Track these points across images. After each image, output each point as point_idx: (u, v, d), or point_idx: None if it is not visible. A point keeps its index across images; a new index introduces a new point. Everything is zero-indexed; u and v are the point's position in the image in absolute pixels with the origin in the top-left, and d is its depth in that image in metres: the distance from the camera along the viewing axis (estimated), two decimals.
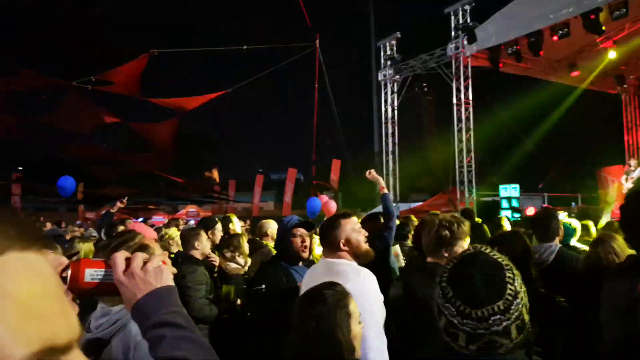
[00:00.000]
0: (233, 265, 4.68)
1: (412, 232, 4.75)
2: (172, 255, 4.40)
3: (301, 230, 3.03)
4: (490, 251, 1.29)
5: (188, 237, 4.23)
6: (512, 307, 1.17)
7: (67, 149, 14.47)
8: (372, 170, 4.18)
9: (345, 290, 1.80)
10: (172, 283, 1.08)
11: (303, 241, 2.99)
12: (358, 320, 1.76)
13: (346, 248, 2.46)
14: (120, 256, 1.05)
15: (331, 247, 2.49)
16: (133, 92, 11.19)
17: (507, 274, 1.22)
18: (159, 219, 19.59)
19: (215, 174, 23.57)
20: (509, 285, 1.20)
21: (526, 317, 1.20)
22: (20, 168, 16.80)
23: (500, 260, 1.26)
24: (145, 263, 1.06)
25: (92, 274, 1.03)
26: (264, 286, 2.89)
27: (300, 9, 12.08)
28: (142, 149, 14.23)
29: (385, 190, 3.97)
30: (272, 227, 5.55)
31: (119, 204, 5.78)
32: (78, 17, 8.78)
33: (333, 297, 1.75)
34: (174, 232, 5.43)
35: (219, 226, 5.89)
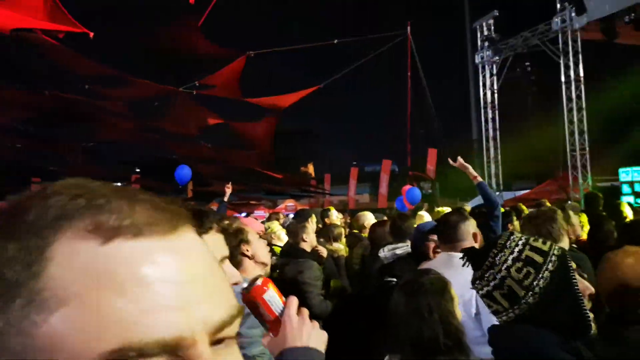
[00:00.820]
0: (337, 246, 4.76)
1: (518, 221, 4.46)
2: (277, 249, 4.55)
3: (434, 236, 3.02)
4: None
5: (295, 230, 4.27)
6: (486, 275, 1.35)
7: (177, 150, 15.69)
8: (459, 158, 3.95)
9: (443, 277, 1.86)
10: (322, 349, 1.08)
11: (436, 247, 2.99)
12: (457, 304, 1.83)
13: (474, 242, 2.44)
14: (296, 299, 1.08)
15: (457, 241, 2.47)
16: (233, 94, 11.79)
17: (493, 250, 1.38)
18: (260, 213, 20.49)
19: (311, 169, 24.11)
20: (489, 258, 1.37)
21: (518, 291, 1.29)
22: (137, 170, 18.45)
23: (501, 239, 1.41)
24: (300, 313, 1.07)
25: (272, 295, 1.05)
26: (394, 279, 2.91)
27: None
28: (243, 147, 14.96)
29: (479, 179, 3.74)
30: (369, 219, 5.54)
31: (227, 190, 5.96)
32: (181, 25, 9.42)
33: (436, 284, 1.81)
34: (276, 226, 5.63)
35: (313, 218, 6.01)
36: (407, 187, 10.23)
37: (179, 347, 0.37)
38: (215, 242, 1.21)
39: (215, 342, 0.41)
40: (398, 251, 3.85)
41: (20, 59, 9.61)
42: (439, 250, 2.99)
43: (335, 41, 11.66)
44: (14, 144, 12.78)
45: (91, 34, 8.40)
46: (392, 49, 13.46)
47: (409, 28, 12.85)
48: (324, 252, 4.36)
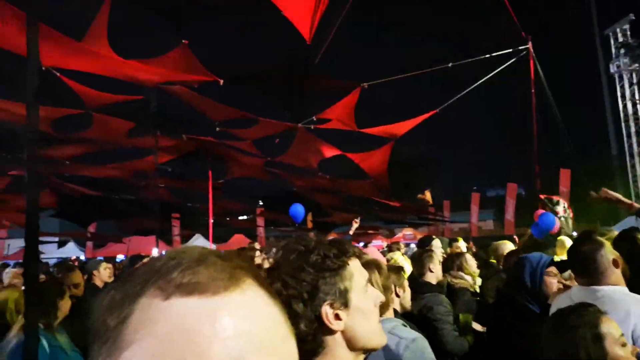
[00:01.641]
0: (460, 280, 4.47)
1: None
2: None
3: (555, 270, 2.73)
4: None
5: (422, 260, 4.07)
6: None
7: (297, 183, 16.39)
8: (604, 189, 3.41)
9: (599, 310, 1.70)
10: None
11: (559, 282, 2.70)
12: (619, 342, 1.63)
13: (615, 269, 2.13)
14: None
15: (596, 272, 2.18)
16: (348, 125, 12.04)
17: None
18: (378, 242, 20.37)
19: (429, 196, 23.48)
20: None
21: None
22: (261, 202, 19.53)
23: None
24: None
25: None
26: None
27: (505, 13, 11.32)
28: (359, 176, 15.12)
29: (637, 205, 3.26)
30: (509, 248, 5.17)
31: (354, 225, 6.03)
32: (298, 63, 9.97)
33: (582, 318, 1.68)
34: (398, 256, 5.50)
35: (438, 243, 5.75)
36: (540, 211, 9.44)
37: None
38: (356, 266, 1.30)
39: None
40: None
41: (163, 108, 10.91)
42: (560, 286, 2.69)
43: (450, 64, 11.40)
44: (157, 184, 14.38)
45: (221, 82, 9.28)
46: (513, 66, 12.75)
47: (530, 42, 12.11)
48: (464, 283, 4.09)
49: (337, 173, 16.16)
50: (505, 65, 12.60)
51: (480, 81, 12.60)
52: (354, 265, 1.32)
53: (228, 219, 20.70)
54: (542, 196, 14.76)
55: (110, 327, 0.46)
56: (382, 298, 1.37)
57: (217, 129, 12.04)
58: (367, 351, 1.31)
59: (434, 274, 4.03)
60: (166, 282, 0.46)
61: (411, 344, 1.99)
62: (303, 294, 1.23)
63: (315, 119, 11.92)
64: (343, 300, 1.26)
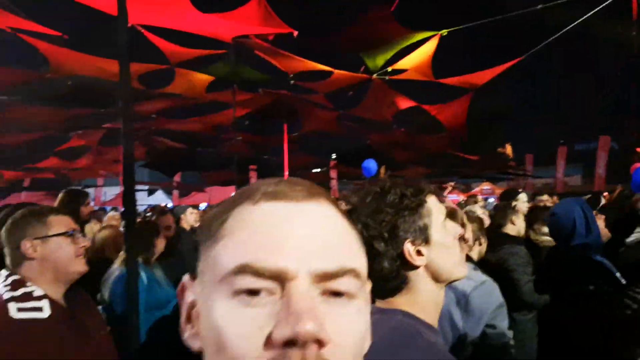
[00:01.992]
0: (546, 237, 4.29)
1: None
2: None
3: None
4: None
5: (505, 211, 3.96)
6: None
7: (371, 137, 16.24)
8: None
9: None
10: None
11: None
12: None
13: None
14: None
15: None
16: (425, 75, 11.60)
17: None
18: (454, 197, 19.88)
19: (509, 150, 22.30)
20: None
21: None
22: (334, 156, 19.63)
23: None
24: None
25: None
26: None
27: None
28: (435, 129, 14.66)
29: None
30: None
31: (447, 189, 5.89)
32: (374, 14, 9.61)
33: None
34: (477, 208, 5.37)
35: (522, 196, 5.51)
36: (637, 165, 8.70)
37: (282, 276, 0.51)
38: (434, 203, 1.35)
39: (330, 293, 0.53)
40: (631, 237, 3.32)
41: (238, 63, 11.10)
42: None
43: (540, 6, 10.46)
44: (235, 138, 14.89)
45: (295, 33, 9.24)
46: (610, 7, 11.43)
47: None
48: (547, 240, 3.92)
49: (412, 126, 15.77)
50: (602, 6, 11.33)
51: (574, 24, 11.47)
52: (431, 201, 1.34)
53: (302, 172, 21.15)
54: (639, 149, 13.54)
55: (212, 231, 0.58)
56: (461, 231, 1.40)
57: (292, 82, 12.11)
58: (451, 282, 1.35)
59: (516, 227, 3.93)
60: (254, 193, 0.58)
61: (480, 286, 2.00)
62: (384, 234, 1.27)
63: (389, 70, 11.59)
64: (423, 236, 1.30)
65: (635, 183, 8.41)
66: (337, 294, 0.54)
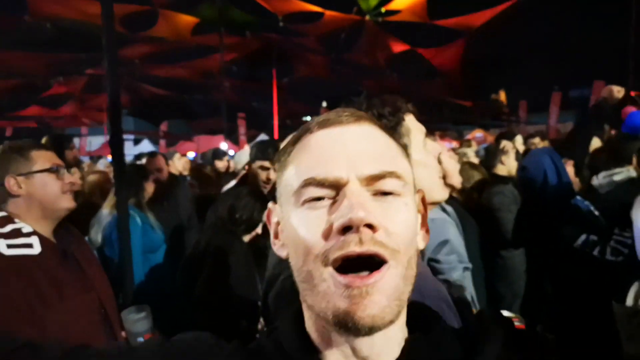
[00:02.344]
0: None
1: None
2: None
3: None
4: None
5: (495, 152, 3.95)
6: None
7: (364, 82, 15.90)
8: None
9: None
10: None
11: None
12: None
13: None
14: None
15: None
16: (420, 17, 11.20)
17: None
18: (446, 144, 19.84)
19: (503, 96, 22.06)
20: None
21: None
22: (324, 104, 19.33)
23: None
24: None
25: None
26: None
27: None
28: (429, 74, 14.39)
29: None
30: (596, 144, 4.82)
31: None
32: None
33: None
34: (471, 152, 5.30)
35: (518, 137, 5.50)
36: (630, 108, 8.58)
37: (338, 183, 0.62)
38: (412, 121, 1.31)
39: (379, 193, 0.63)
40: (616, 177, 3.27)
41: (225, 4, 10.60)
42: None
43: None
44: (223, 84, 14.46)
45: None
46: None
47: None
48: None
49: (406, 72, 15.44)
50: None
51: None
52: (410, 120, 1.29)
53: (292, 120, 20.87)
54: (633, 93, 13.39)
55: (282, 162, 0.71)
56: (441, 149, 1.37)
57: (281, 24, 11.64)
58: (430, 204, 1.24)
59: (505, 167, 3.90)
60: (310, 124, 0.70)
61: (430, 223, 1.91)
62: None
63: (383, 11, 11.17)
64: None
65: (625, 125, 8.36)
66: (385, 193, 0.64)
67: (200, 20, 10.86)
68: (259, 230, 2.44)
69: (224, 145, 11.77)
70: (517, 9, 11.64)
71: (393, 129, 1.23)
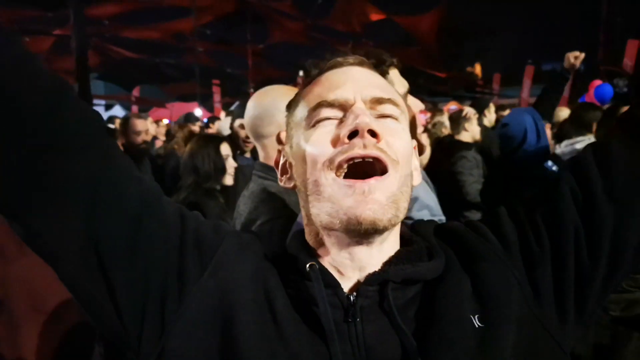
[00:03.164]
0: None
1: None
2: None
3: None
4: None
5: (458, 119, 4.08)
6: None
7: (341, 48, 15.70)
8: None
9: None
10: None
11: None
12: None
13: None
14: None
15: None
16: None
17: None
18: (421, 117, 19.90)
19: (478, 69, 22.18)
20: None
21: None
22: (301, 73, 19.08)
23: None
24: None
25: None
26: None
27: None
28: (406, 43, 14.32)
29: None
30: (566, 115, 4.95)
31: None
32: None
33: None
34: (445, 119, 5.39)
35: (491, 108, 5.66)
36: (597, 82, 8.73)
37: (345, 104, 0.74)
38: (396, 75, 1.37)
39: (381, 116, 0.75)
40: (578, 145, 3.40)
41: None
42: None
43: None
44: (197, 47, 14.08)
45: None
46: None
47: None
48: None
49: (382, 40, 15.30)
50: None
51: None
52: (394, 74, 1.32)
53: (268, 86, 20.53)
54: (602, 67, 13.64)
55: (294, 102, 0.84)
56: (422, 106, 1.44)
57: None
58: None
59: (469, 133, 4.03)
60: (321, 71, 0.82)
61: None
62: None
63: None
64: None
65: (593, 97, 8.53)
66: (385, 116, 0.75)
67: None
68: (230, 171, 2.47)
69: (198, 112, 11.57)
70: None
71: None
